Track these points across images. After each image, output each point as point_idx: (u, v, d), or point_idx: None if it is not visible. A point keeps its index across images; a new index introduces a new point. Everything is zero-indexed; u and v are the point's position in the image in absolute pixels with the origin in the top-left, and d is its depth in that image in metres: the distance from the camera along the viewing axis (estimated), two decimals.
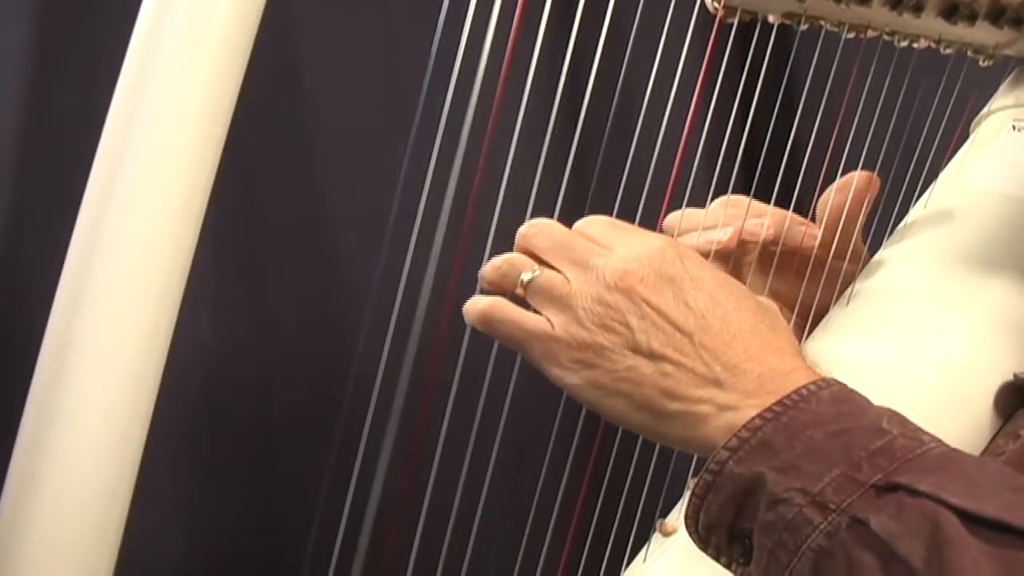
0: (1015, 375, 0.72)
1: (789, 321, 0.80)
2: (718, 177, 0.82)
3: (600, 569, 0.81)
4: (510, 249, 0.70)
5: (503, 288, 0.68)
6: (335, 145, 1.14)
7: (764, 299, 0.70)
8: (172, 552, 1.10)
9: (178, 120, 0.63)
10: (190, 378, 1.08)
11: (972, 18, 0.76)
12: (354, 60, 1.13)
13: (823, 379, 0.63)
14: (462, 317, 0.69)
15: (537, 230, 0.69)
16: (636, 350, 0.64)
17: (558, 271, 0.67)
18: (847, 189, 0.80)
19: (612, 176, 0.79)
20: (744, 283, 0.79)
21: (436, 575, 0.77)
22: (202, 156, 0.64)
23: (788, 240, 0.81)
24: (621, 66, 0.76)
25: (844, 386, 0.64)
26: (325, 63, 1.12)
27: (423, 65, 0.69)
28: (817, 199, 0.81)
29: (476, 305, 0.68)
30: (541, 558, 0.81)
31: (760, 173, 0.85)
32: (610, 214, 0.77)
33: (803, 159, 0.82)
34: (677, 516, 0.77)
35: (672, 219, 0.80)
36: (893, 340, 0.76)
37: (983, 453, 0.71)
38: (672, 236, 0.80)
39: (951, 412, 0.72)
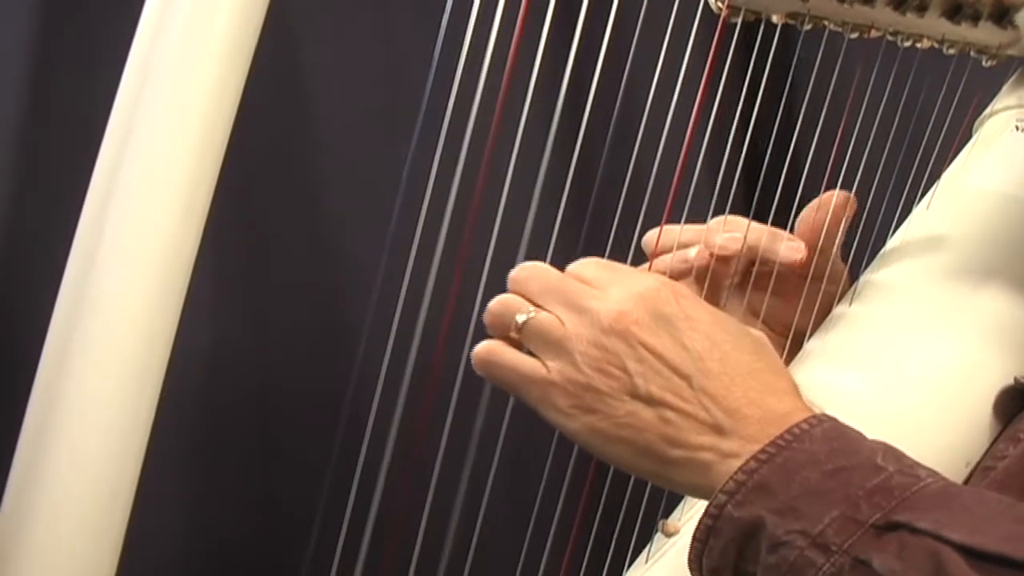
0: (1016, 379, 0.72)
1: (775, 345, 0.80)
2: (722, 175, 0.82)
3: (602, 570, 0.81)
4: (511, 250, 0.70)
5: (498, 330, 0.67)
6: (337, 148, 1.13)
7: (756, 332, 0.69)
8: (173, 553, 1.10)
9: (180, 122, 0.63)
10: (192, 380, 1.08)
11: (975, 18, 0.75)
12: (356, 63, 1.13)
13: (815, 416, 0.63)
14: (464, 318, 0.69)
15: (528, 273, 0.68)
16: (634, 395, 0.64)
17: (553, 315, 0.66)
18: (826, 207, 0.79)
19: (615, 175, 0.79)
20: (721, 304, 0.79)
21: (437, 575, 0.77)
22: (204, 158, 0.64)
23: (769, 254, 0.79)
24: (624, 67, 0.76)
25: (836, 422, 0.63)
26: (327, 66, 1.12)
27: (425, 67, 0.68)
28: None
29: (476, 350, 0.67)
30: (544, 558, 0.81)
31: (764, 172, 0.85)
32: (613, 215, 0.77)
33: (806, 159, 0.82)
34: (679, 517, 0.77)
35: (650, 237, 0.79)
36: (884, 354, 0.76)
37: (983, 458, 0.71)
38: (649, 254, 0.79)
39: (948, 419, 0.72)
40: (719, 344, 0.65)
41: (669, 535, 0.77)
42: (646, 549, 0.79)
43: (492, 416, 0.73)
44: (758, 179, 0.85)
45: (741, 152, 0.81)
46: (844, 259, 0.82)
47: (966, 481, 0.70)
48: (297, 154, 1.13)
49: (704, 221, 0.80)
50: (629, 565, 0.80)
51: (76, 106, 0.99)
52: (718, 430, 0.63)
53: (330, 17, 1.11)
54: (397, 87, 1.08)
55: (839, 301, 0.81)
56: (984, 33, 0.77)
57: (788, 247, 0.79)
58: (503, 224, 0.70)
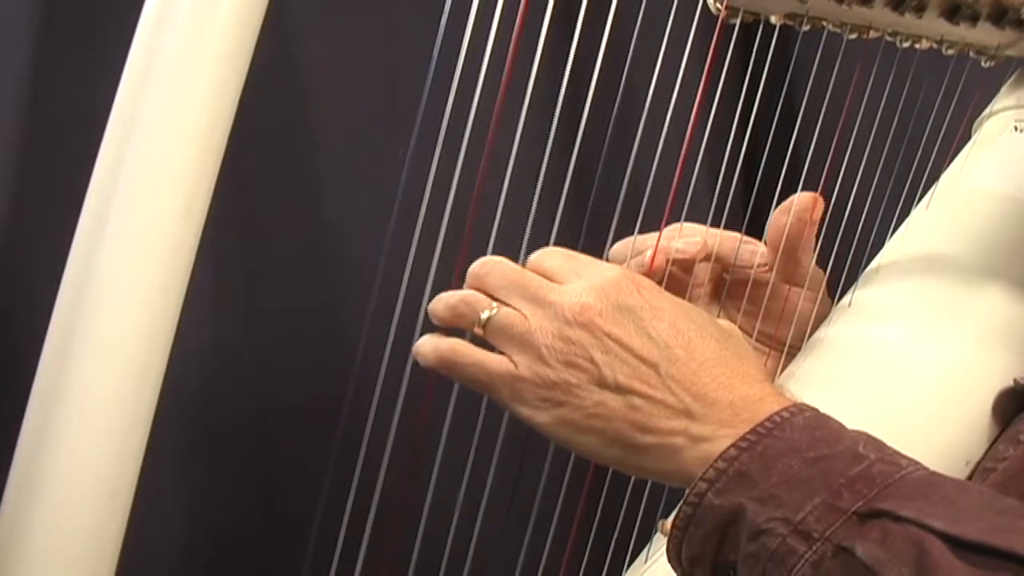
0: (1015, 380, 0.72)
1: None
2: (722, 177, 0.82)
3: (602, 569, 0.82)
4: (510, 250, 0.69)
5: (459, 327, 0.68)
6: (336, 148, 1.13)
7: (724, 322, 0.70)
8: (173, 551, 1.10)
9: (180, 121, 0.63)
10: (191, 379, 1.08)
11: (974, 19, 0.75)
12: (355, 63, 1.13)
13: (795, 405, 0.63)
14: None
15: (489, 268, 0.68)
16: (603, 385, 0.64)
17: (515, 309, 0.66)
18: (789, 210, 0.78)
19: (614, 175, 0.79)
20: None
21: (438, 574, 0.77)
22: (203, 158, 0.64)
23: (728, 258, 0.79)
24: (623, 66, 0.76)
25: (817, 411, 0.63)
26: (326, 66, 1.12)
27: (425, 67, 0.69)
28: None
29: (434, 347, 0.67)
30: (543, 557, 0.81)
31: (762, 172, 0.85)
32: (612, 215, 0.77)
33: (805, 159, 0.82)
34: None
35: (621, 247, 0.78)
36: (883, 353, 0.76)
37: (983, 459, 0.71)
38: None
39: (947, 418, 0.72)
40: (684, 332, 0.65)
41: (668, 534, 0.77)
42: (646, 548, 0.79)
43: (492, 414, 0.73)
44: (756, 179, 0.85)
45: (740, 152, 0.81)
46: (842, 260, 0.82)
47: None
48: (296, 153, 1.13)
49: (702, 221, 0.80)
50: (629, 564, 0.80)
51: (76, 106, 0.99)
52: (688, 415, 0.63)
53: (329, 16, 1.11)
54: (396, 86, 1.08)
55: (837, 301, 0.81)
56: (983, 34, 0.77)
57: (746, 249, 0.79)
58: (502, 223, 0.70)
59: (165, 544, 1.09)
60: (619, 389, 0.64)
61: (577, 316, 0.64)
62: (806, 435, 0.61)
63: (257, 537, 1.13)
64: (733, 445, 0.61)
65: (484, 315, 0.67)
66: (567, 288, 0.66)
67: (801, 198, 0.78)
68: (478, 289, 0.68)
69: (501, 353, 0.66)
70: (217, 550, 1.13)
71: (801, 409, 0.63)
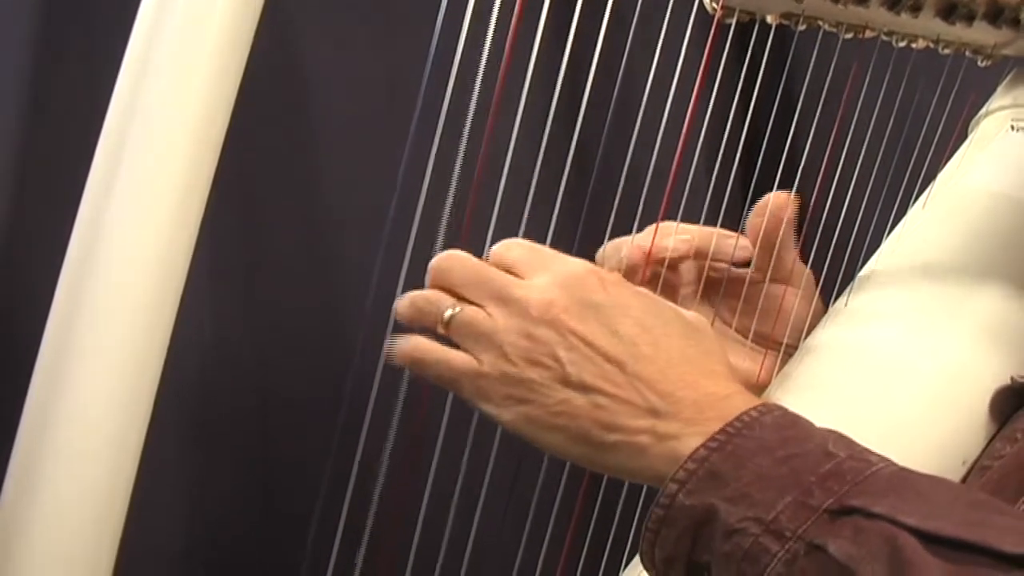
0: (1012, 378, 0.72)
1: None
2: (717, 176, 0.82)
3: (600, 565, 0.82)
4: None
5: (422, 324, 0.68)
6: (334, 142, 1.14)
7: (692, 315, 0.69)
8: (172, 548, 1.10)
9: (177, 118, 0.64)
10: (189, 375, 1.08)
11: (970, 18, 0.76)
12: (353, 58, 1.14)
13: (764, 404, 0.63)
14: None
15: (450, 264, 0.67)
16: (567, 383, 0.64)
17: (478, 306, 0.66)
18: (763, 210, 0.78)
19: (612, 174, 0.79)
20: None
21: (435, 571, 0.77)
22: (201, 154, 0.64)
23: (721, 255, 0.79)
24: (620, 65, 0.76)
25: (786, 410, 0.63)
26: (324, 61, 1.13)
27: (422, 65, 0.69)
28: (815, 199, 0.81)
29: (402, 346, 0.67)
30: (540, 557, 0.81)
31: (759, 172, 0.86)
32: (609, 212, 0.77)
33: (802, 159, 0.82)
34: None
35: (612, 247, 0.77)
36: (880, 352, 0.76)
37: (980, 457, 0.71)
38: (603, 266, 0.78)
39: (945, 418, 0.72)
40: (650, 329, 0.65)
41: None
42: None
43: None
44: (755, 170, 0.85)
45: (739, 141, 0.82)
46: (839, 259, 0.82)
47: (963, 480, 0.70)
48: (295, 147, 1.13)
49: (701, 210, 0.81)
50: (627, 561, 0.80)
51: (76, 105, 0.99)
52: (654, 413, 0.63)
53: (328, 13, 1.11)
54: (395, 85, 1.08)
55: (833, 301, 0.81)
56: (979, 33, 0.77)
57: (727, 243, 0.79)
58: (500, 218, 0.70)
59: (164, 539, 1.09)
60: (584, 388, 0.64)
61: (542, 314, 0.64)
62: (776, 434, 0.61)
63: (256, 533, 1.13)
64: (703, 445, 0.61)
65: (447, 313, 0.66)
66: (532, 284, 0.66)
67: (776, 197, 0.79)
68: (440, 286, 0.68)
69: (466, 351, 0.66)
70: (216, 546, 1.13)
71: (770, 408, 0.63)
